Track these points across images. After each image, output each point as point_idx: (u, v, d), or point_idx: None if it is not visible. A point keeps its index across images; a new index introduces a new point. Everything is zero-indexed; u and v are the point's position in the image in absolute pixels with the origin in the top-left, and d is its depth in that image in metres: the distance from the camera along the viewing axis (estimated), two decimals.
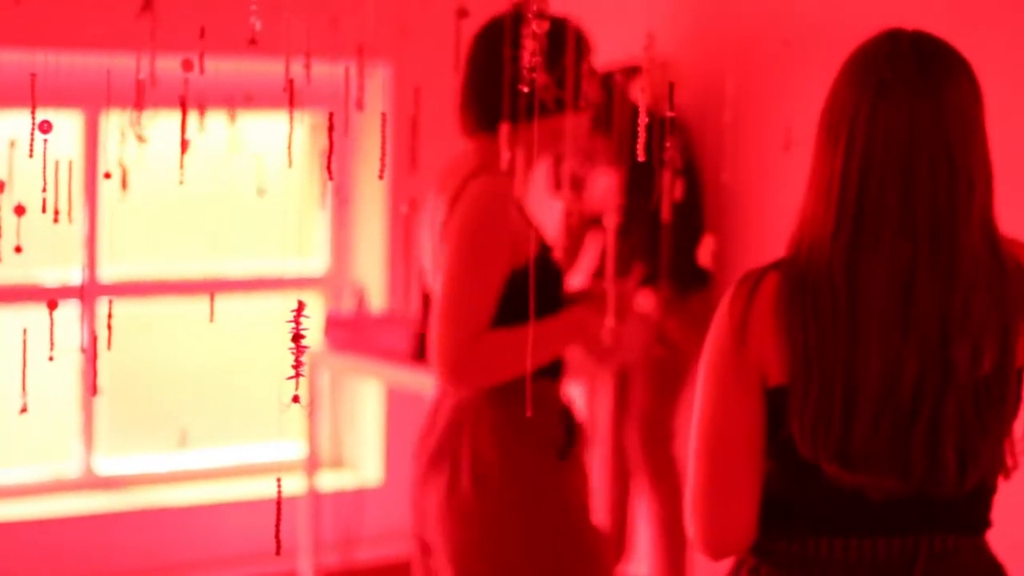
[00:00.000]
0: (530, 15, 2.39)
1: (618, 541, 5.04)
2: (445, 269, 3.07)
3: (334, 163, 3.07)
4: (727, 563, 2.20)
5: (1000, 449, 2.08)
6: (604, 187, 4.65)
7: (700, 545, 2.11)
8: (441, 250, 3.13)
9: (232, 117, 3.30)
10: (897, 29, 2.12)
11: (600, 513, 5.03)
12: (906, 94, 2.05)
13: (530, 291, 3.04)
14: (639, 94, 4.33)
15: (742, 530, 2.09)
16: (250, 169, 5.30)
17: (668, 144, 2.64)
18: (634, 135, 3.89)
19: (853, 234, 2.04)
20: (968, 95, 2.08)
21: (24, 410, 2.88)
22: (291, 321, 1.91)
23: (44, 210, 2.48)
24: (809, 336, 2.02)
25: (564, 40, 2.95)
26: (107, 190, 5.06)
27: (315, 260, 5.64)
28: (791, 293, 2.05)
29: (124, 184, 3.00)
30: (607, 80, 4.27)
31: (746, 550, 2.12)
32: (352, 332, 4.86)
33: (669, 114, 2.29)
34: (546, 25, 2.33)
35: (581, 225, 5.01)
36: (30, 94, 2.20)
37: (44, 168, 2.31)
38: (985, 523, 2.15)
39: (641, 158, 2.15)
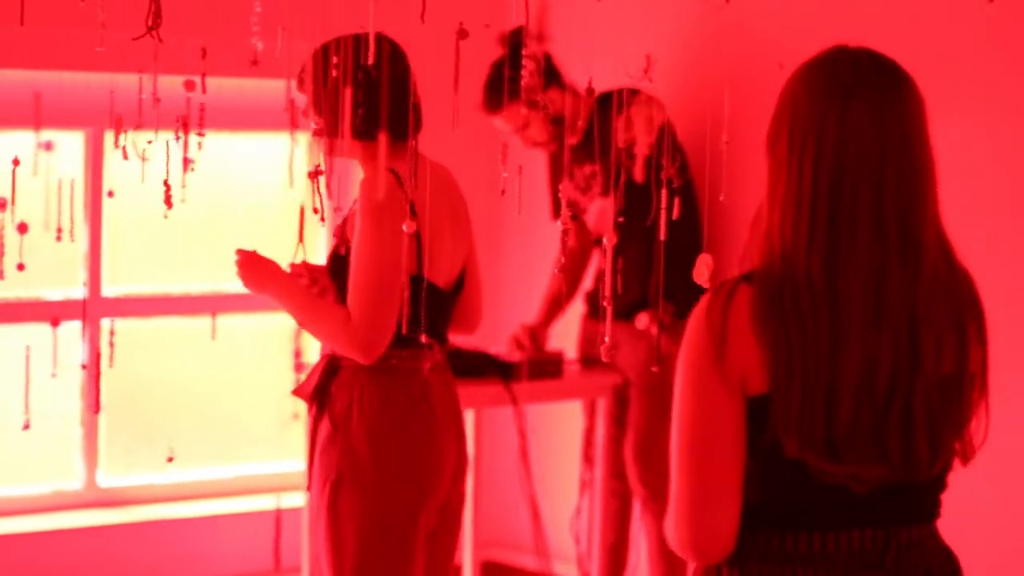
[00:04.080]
0: (530, 37, 2.44)
1: (617, 560, 5.06)
2: None
3: (333, 182, 3.10)
4: None
5: (955, 444, 2.15)
6: (599, 210, 4.68)
7: (687, 551, 2.17)
8: None
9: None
10: (843, 45, 2.14)
11: (599, 532, 5.04)
12: (874, 98, 2.09)
13: None
14: (637, 117, 4.36)
15: (726, 535, 2.14)
16: (249, 188, 5.31)
17: (665, 163, 2.67)
18: (631, 156, 3.93)
19: (829, 239, 2.08)
20: (919, 103, 2.13)
21: (27, 426, 2.91)
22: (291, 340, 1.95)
23: (47, 228, 2.51)
24: (792, 341, 2.07)
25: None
26: (109, 208, 5.09)
27: None
28: (768, 303, 2.10)
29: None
30: (603, 103, 4.30)
31: (729, 554, 2.16)
32: None
33: (669, 135, 2.32)
34: (545, 47, 2.37)
35: (582, 247, 5.05)
36: (34, 114, 2.23)
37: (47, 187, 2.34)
38: (938, 512, 2.22)
39: (639, 179, 2.18)
